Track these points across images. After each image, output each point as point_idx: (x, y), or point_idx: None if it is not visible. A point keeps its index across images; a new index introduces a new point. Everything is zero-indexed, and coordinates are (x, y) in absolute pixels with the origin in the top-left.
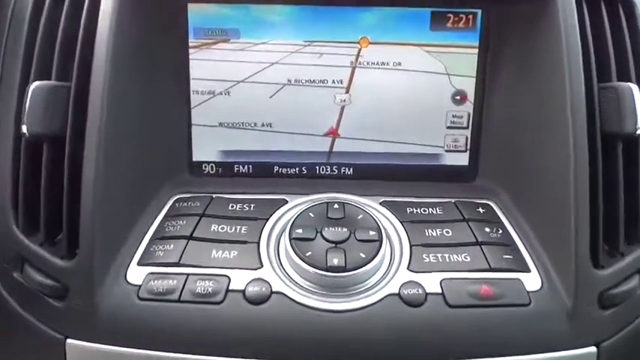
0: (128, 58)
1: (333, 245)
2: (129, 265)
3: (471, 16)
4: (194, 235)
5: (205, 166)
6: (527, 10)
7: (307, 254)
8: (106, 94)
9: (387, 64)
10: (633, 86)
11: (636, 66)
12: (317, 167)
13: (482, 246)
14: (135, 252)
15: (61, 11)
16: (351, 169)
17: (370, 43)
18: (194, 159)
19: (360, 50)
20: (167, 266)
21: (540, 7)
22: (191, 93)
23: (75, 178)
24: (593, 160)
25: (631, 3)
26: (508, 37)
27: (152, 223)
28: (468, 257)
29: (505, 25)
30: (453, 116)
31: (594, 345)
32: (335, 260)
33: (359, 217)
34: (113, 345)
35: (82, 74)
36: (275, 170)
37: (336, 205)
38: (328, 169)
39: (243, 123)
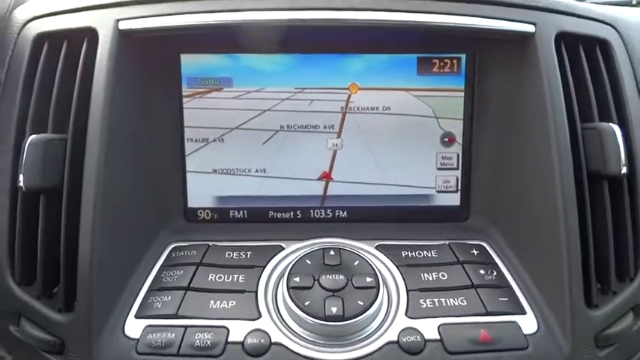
0: (123, 110)
1: (331, 293)
2: (126, 318)
3: (455, 61)
4: (192, 285)
5: (201, 213)
6: (509, 54)
7: (306, 303)
8: (102, 146)
9: (377, 108)
10: (615, 127)
11: (616, 106)
12: (312, 211)
13: (477, 289)
14: (132, 304)
15: (57, 64)
16: (345, 212)
17: (360, 88)
18: (189, 205)
19: (350, 96)
20: (165, 318)
21: (521, 52)
22: (185, 141)
23: (72, 231)
24: (581, 200)
25: (608, 45)
26: (492, 81)
27: (149, 274)
28: (465, 301)
29: (488, 69)
30: (443, 157)
31: None
32: (333, 309)
33: (355, 263)
34: None
35: (78, 127)
36: (270, 215)
37: (332, 252)
38: (323, 213)
39: (237, 169)
